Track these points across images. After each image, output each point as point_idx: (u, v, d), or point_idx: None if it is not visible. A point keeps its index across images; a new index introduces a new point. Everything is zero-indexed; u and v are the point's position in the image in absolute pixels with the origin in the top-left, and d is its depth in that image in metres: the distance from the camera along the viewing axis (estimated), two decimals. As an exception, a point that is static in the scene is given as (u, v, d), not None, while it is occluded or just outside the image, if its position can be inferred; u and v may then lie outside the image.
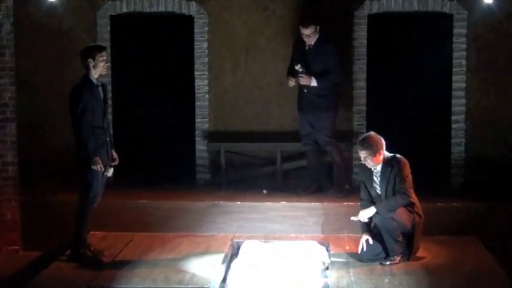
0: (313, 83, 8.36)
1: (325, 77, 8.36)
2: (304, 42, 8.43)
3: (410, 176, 6.90)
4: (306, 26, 8.28)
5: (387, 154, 6.94)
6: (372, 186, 7.00)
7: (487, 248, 7.34)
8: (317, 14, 8.74)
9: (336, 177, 8.66)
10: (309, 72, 8.37)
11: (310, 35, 8.31)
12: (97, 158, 6.79)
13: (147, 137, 9.59)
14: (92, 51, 6.90)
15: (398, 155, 6.96)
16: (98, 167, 6.80)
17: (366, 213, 6.90)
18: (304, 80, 8.37)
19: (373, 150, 6.80)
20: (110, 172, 7.08)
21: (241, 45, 9.46)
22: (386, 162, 6.90)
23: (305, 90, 8.47)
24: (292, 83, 8.52)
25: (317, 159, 8.76)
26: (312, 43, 8.38)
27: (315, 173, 8.80)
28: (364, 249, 6.98)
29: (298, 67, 8.40)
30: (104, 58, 6.91)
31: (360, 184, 7.19)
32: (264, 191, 8.68)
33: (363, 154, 6.85)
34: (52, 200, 8.27)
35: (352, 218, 7.02)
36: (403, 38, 9.31)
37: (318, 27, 8.31)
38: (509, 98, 9.21)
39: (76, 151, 6.88)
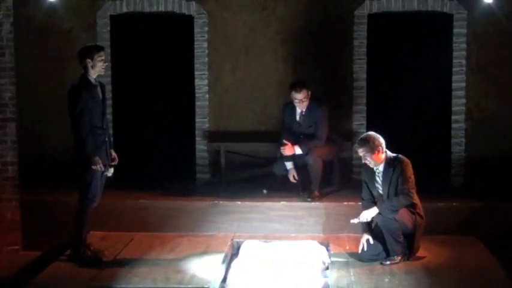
0: (298, 151, 8.23)
1: (309, 142, 8.22)
2: (295, 108, 8.31)
3: (412, 177, 6.89)
4: (299, 91, 8.16)
5: (390, 154, 6.94)
6: (374, 186, 7.00)
7: (487, 248, 7.34)
8: (306, 81, 8.52)
9: (312, 183, 8.49)
10: (296, 139, 8.27)
11: (303, 100, 8.19)
12: (97, 158, 6.78)
13: (147, 137, 9.60)
14: (90, 51, 6.89)
15: (400, 156, 6.95)
16: (98, 167, 6.80)
17: (369, 214, 6.90)
18: (286, 151, 8.21)
19: (370, 147, 6.79)
20: (110, 172, 7.07)
21: (241, 45, 9.46)
22: (389, 162, 6.90)
23: (301, 136, 8.34)
24: (293, 178, 8.40)
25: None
26: (305, 109, 8.28)
27: (317, 179, 8.73)
28: (365, 249, 6.98)
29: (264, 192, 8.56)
30: (103, 58, 6.90)
31: (361, 184, 7.19)
32: (264, 191, 8.67)
33: (360, 152, 6.85)
34: (52, 200, 8.27)
35: (352, 220, 7.00)
36: (403, 38, 9.31)
37: (309, 93, 8.21)
38: (509, 98, 9.22)
39: (75, 151, 6.88)
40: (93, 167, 6.78)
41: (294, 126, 8.41)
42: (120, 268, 6.79)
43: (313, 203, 8.18)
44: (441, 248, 7.37)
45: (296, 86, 8.24)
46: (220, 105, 9.51)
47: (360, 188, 7.21)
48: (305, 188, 8.51)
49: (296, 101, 8.24)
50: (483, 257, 7.13)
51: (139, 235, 7.90)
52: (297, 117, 8.36)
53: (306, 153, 8.22)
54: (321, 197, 8.35)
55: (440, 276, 6.58)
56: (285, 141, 8.23)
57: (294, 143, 8.24)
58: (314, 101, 8.31)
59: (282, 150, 8.28)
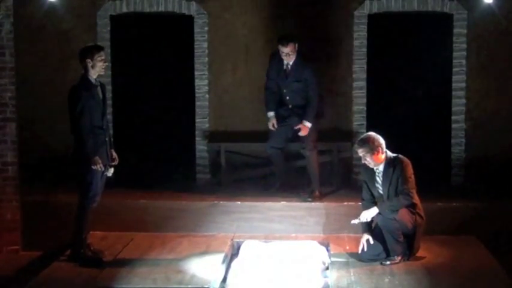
0: (308, 124, 8.28)
1: (309, 110, 8.27)
2: (281, 61, 8.32)
3: (413, 177, 6.89)
4: (285, 45, 8.15)
5: (390, 154, 6.94)
6: (374, 186, 7.00)
7: (487, 248, 7.34)
8: (295, 34, 8.61)
9: (312, 182, 8.54)
10: (288, 92, 8.35)
11: (289, 53, 8.19)
12: (96, 158, 6.78)
13: (147, 137, 9.59)
14: (90, 51, 6.89)
15: (401, 156, 6.95)
16: (98, 166, 6.80)
17: (369, 214, 6.90)
18: (303, 132, 8.30)
19: (370, 147, 6.80)
20: (110, 172, 7.07)
21: (241, 45, 9.46)
22: (389, 163, 6.90)
23: (290, 106, 8.42)
24: (272, 126, 8.50)
25: (282, 159, 8.74)
26: (291, 62, 8.28)
27: (281, 172, 8.78)
28: (365, 249, 6.98)
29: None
30: (102, 58, 6.90)
31: (362, 184, 7.19)
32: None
33: (360, 152, 6.85)
34: (52, 200, 8.27)
35: (353, 221, 7.01)
36: (403, 38, 9.31)
37: (297, 45, 8.21)
38: (509, 98, 9.22)
39: (75, 151, 6.88)
40: (93, 167, 6.79)
41: (279, 79, 8.38)
42: (120, 268, 6.80)
43: (313, 203, 8.19)
44: (441, 248, 7.38)
45: (283, 39, 8.21)
46: (220, 105, 9.51)
47: (360, 188, 7.22)
48: (280, 182, 8.63)
49: (283, 54, 8.22)
50: (483, 257, 7.13)
51: (139, 235, 7.90)
52: (284, 67, 8.32)
53: (313, 121, 8.27)
54: (321, 197, 8.36)
55: (440, 276, 6.58)
56: (271, 128, 8.42)
57: (278, 105, 8.39)
58: (301, 57, 8.30)
59: (270, 127, 8.45)
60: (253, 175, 9.29)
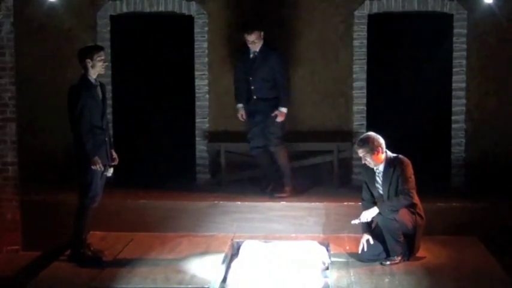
0: (283, 110, 8.39)
1: (282, 96, 8.37)
2: (248, 51, 8.39)
3: (413, 177, 6.89)
4: (250, 33, 8.23)
5: (390, 154, 6.94)
6: (374, 186, 7.00)
7: (487, 248, 7.34)
8: (260, 20, 8.72)
9: (283, 178, 8.58)
10: (257, 82, 8.41)
11: (255, 41, 8.26)
12: (96, 158, 6.79)
13: (147, 137, 9.59)
14: (90, 51, 6.89)
15: (401, 156, 6.95)
16: (97, 166, 6.80)
17: (369, 214, 6.90)
18: (279, 117, 8.39)
19: (370, 147, 6.80)
20: (110, 172, 7.07)
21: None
22: (389, 163, 6.89)
23: (254, 97, 8.49)
24: (241, 117, 8.64)
25: (268, 159, 8.74)
26: (257, 50, 8.34)
27: (271, 173, 8.78)
28: (365, 249, 6.98)
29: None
30: (102, 58, 6.90)
31: (362, 184, 7.19)
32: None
33: (360, 152, 6.86)
34: (52, 200, 8.26)
35: (353, 221, 7.01)
36: (403, 38, 9.31)
37: (262, 33, 8.28)
38: (509, 98, 9.21)
39: (75, 151, 6.88)
40: (92, 167, 6.79)
41: (246, 68, 8.45)
42: (120, 268, 6.80)
43: (313, 203, 8.18)
44: (441, 248, 7.38)
45: (247, 27, 8.28)
46: (220, 105, 9.50)
47: (360, 188, 7.22)
48: (272, 182, 8.63)
49: (248, 42, 8.30)
50: (483, 257, 7.13)
51: (139, 235, 7.90)
52: (251, 55, 8.38)
53: (287, 105, 8.40)
54: (293, 194, 8.38)
55: (440, 276, 6.58)
56: (241, 119, 8.63)
57: (248, 98, 8.50)
58: (267, 45, 8.37)
59: (239, 118, 8.64)
60: (253, 175, 9.28)
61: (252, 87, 8.47)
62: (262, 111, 8.46)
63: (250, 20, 8.69)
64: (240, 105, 8.64)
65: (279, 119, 8.41)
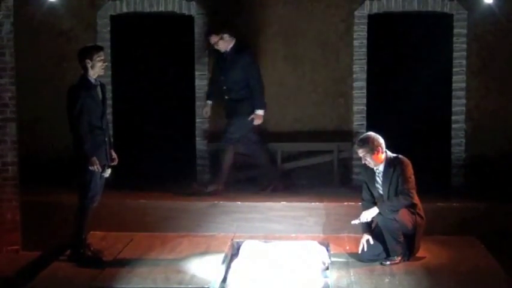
0: (259, 112, 8.50)
1: (255, 97, 8.49)
2: (220, 53, 8.60)
3: (413, 177, 6.89)
4: (209, 36, 8.54)
5: (390, 154, 6.94)
6: (374, 187, 7.00)
7: (487, 248, 7.34)
8: (224, 23, 8.83)
9: (218, 175, 8.65)
10: (228, 83, 8.55)
11: (217, 43, 8.46)
12: (94, 159, 6.78)
13: (147, 137, 9.59)
14: (89, 51, 6.89)
15: (401, 156, 6.96)
16: (95, 167, 6.79)
17: (369, 214, 6.90)
18: (256, 120, 8.52)
19: (370, 147, 6.80)
20: (107, 173, 7.05)
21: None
22: (389, 163, 6.90)
23: (226, 97, 8.64)
24: (205, 113, 8.92)
25: (268, 159, 8.80)
26: (227, 50, 8.50)
27: (270, 172, 8.82)
28: (365, 249, 6.98)
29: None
30: (102, 58, 6.90)
31: (362, 184, 7.19)
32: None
33: (360, 152, 6.86)
34: (52, 200, 8.27)
35: (353, 221, 7.01)
36: (403, 38, 9.30)
37: (224, 36, 8.42)
38: (509, 98, 9.21)
39: (74, 151, 6.88)
40: (90, 167, 6.78)
41: (219, 67, 8.64)
42: (120, 268, 6.80)
43: (313, 203, 8.17)
44: (441, 248, 7.38)
45: (208, 31, 8.63)
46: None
47: (360, 188, 7.22)
48: (273, 182, 8.73)
49: (212, 44, 8.53)
50: (483, 257, 7.13)
51: (139, 235, 7.90)
52: (224, 56, 8.53)
53: (263, 107, 8.52)
54: (221, 193, 8.48)
55: (440, 276, 6.59)
56: (204, 114, 8.92)
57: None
58: (239, 45, 8.52)
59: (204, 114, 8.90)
60: (253, 175, 9.28)
61: (224, 87, 8.61)
62: (233, 112, 8.56)
63: (211, 25, 8.88)
64: (209, 102, 8.89)
65: (256, 121, 8.50)
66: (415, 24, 9.27)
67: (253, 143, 8.73)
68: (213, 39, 8.51)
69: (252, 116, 8.50)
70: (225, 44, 8.49)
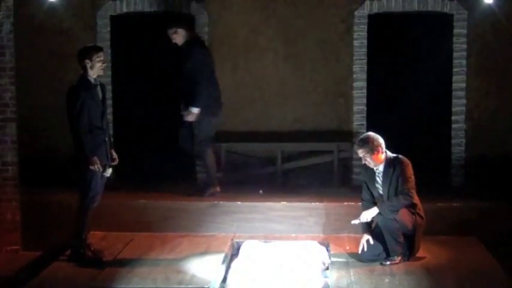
0: (194, 110, 8.28)
1: (193, 95, 8.27)
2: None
3: (413, 177, 6.89)
4: (165, 29, 8.42)
5: (390, 154, 6.94)
6: (374, 187, 7.00)
7: (487, 248, 7.34)
8: (179, 17, 8.80)
9: (210, 178, 8.58)
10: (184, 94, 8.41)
11: (173, 37, 8.39)
12: (95, 158, 6.78)
13: (147, 137, 9.59)
14: (89, 52, 6.89)
15: (401, 156, 6.95)
16: (96, 167, 6.80)
17: (369, 214, 6.90)
18: (188, 117, 8.33)
19: (370, 147, 6.80)
20: (108, 172, 7.06)
21: (241, 45, 9.45)
22: (389, 163, 6.89)
23: (180, 93, 8.49)
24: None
25: (210, 159, 8.67)
26: (180, 43, 8.42)
27: (212, 173, 8.69)
28: (365, 249, 6.98)
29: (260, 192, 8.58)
30: (101, 58, 6.89)
31: (362, 184, 7.19)
32: (260, 191, 8.66)
33: (360, 153, 6.86)
34: (52, 200, 8.27)
35: (353, 221, 7.01)
36: (403, 38, 9.31)
37: (178, 30, 8.34)
38: (509, 98, 9.21)
39: (75, 151, 6.88)
40: (91, 167, 6.78)
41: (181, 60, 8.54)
42: (120, 268, 6.80)
43: (313, 203, 8.18)
44: (441, 248, 7.37)
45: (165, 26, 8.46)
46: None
47: (360, 188, 7.22)
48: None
49: (172, 40, 8.45)
50: (483, 257, 7.13)
51: (139, 235, 7.90)
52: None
53: (198, 106, 8.25)
54: (220, 193, 8.40)
55: (440, 276, 6.58)
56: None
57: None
58: (192, 39, 8.44)
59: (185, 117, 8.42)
60: (253, 175, 9.28)
61: (180, 83, 8.49)
62: (186, 108, 8.39)
63: (167, 19, 8.75)
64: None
65: (189, 118, 8.32)
66: (415, 24, 9.27)
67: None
68: (169, 32, 8.40)
69: (186, 112, 8.33)
70: (179, 37, 8.38)
